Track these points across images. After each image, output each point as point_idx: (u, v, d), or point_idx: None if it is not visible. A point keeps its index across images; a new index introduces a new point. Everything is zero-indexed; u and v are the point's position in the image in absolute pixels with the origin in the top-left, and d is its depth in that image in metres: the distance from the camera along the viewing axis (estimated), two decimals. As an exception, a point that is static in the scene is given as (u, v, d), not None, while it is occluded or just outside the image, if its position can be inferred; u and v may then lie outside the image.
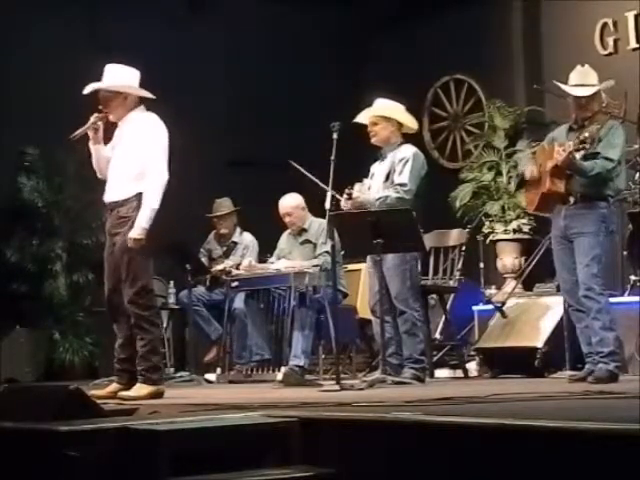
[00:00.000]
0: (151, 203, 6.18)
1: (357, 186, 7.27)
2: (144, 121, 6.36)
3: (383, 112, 7.39)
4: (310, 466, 3.84)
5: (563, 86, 6.79)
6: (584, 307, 6.61)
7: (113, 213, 6.31)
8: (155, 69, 9.65)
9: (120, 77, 6.37)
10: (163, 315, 10.00)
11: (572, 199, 6.63)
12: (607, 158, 6.52)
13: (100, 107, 6.36)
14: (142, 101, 6.43)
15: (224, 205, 9.59)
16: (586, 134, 6.41)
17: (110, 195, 6.36)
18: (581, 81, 6.74)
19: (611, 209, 6.69)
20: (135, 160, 6.27)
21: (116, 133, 6.47)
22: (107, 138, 6.52)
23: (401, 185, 7.17)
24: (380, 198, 7.19)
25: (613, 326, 6.57)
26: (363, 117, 7.44)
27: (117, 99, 6.34)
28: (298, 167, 7.73)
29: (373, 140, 7.41)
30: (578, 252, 6.62)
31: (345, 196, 7.19)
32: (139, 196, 6.23)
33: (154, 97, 6.41)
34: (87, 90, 6.36)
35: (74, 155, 8.52)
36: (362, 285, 9.01)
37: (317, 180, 7.36)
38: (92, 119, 6.36)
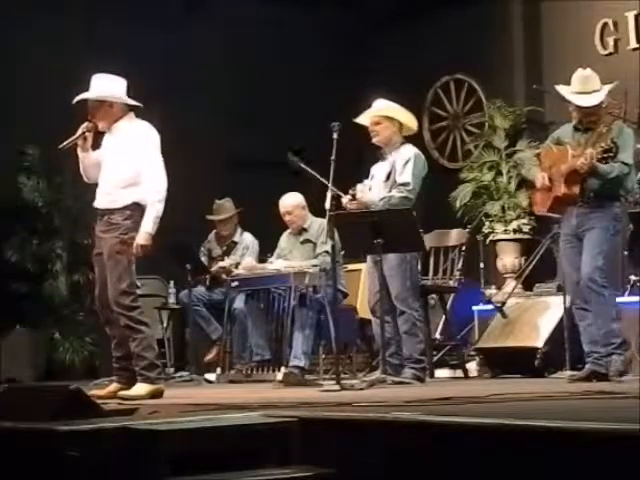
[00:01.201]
0: (156, 210, 6.25)
1: (359, 186, 7.27)
2: (135, 129, 6.40)
3: (385, 112, 7.38)
4: (310, 466, 3.84)
5: (567, 95, 6.75)
6: (588, 303, 6.62)
7: (104, 219, 6.38)
8: (154, 69, 9.70)
9: (105, 86, 6.41)
10: (163, 315, 10.01)
11: (585, 199, 6.63)
12: (624, 163, 6.55)
13: (89, 116, 6.41)
14: (131, 109, 6.46)
15: (225, 207, 9.57)
16: (610, 143, 6.41)
17: (102, 202, 6.42)
18: (584, 88, 6.69)
19: (623, 209, 6.72)
20: (127, 169, 6.32)
21: (104, 141, 6.50)
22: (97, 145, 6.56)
23: (404, 185, 7.18)
24: (384, 198, 7.19)
25: (618, 317, 6.58)
26: (364, 117, 7.44)
27: (103, 108, 6.39)
28: (297, 161, 7.69)
29: (374, 140, 7.40)
30: (586, 246, 6.63)
31: (349, 197, 7.19)
32: (133, 206, 6.27)
33: (140, 105, 6.44)
34: (75, 100, 6.41)
35: (74, 155, 8.51)
36: (362, 285, 9.00)
37: (315, 173, 7.32)
38: (80, 130, 6.43)
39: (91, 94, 6.41)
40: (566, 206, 6.77)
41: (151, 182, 6.28)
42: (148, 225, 6.23)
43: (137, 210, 6.30)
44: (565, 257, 6.86)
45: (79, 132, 6.42)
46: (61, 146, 6.44)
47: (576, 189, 6.63)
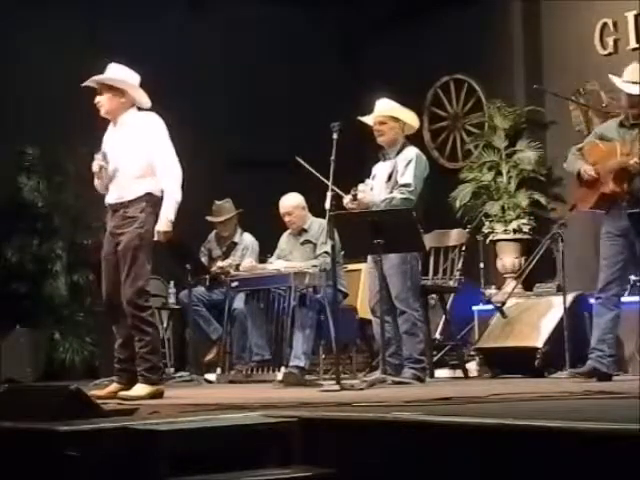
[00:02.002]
0: (175, 196, 6.25)
1: (361, 186, 7.26)
2: (143, 120, 6.37)
3: (392, 112, 7.38)
4: (310, 466, 3.84)
5: (618, 83, 6.72)
6: (614, 305, 6.68)
7: (118, 213, 6.31)
8: (155, 69, 9.66)
9: (122, 74, 6.39)
10: (163, 315, 10.01)
11: (636, 200, 6.59)
12: None
13: (96, 100, 6.37)
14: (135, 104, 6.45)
15: (225, 208, 9.56)
16: None
17: (115, 196, 6.35)
18: (636, 78, 6.66)
19: None
20: (140, 159, 6.29)
21: (110, 135, 6.47)
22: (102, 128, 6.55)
23: (405, 186, 7.18)
24: (385, 200, 7.18)
25: None
26: (369, 117, 7.42)
27: (113, 92, 6.35)
28: (304, 164, 7.67)
29: (380, 140, 7.38)
30: None
31: (350, 197, 7.18)
32: (147, 197, 6.25)
33: (149, 103, 6.43)
34: (87, 83, 6.39)
35: (74, 155, 8.52)
36: (362, 285, 9.00)
37: (322, 177, 7.28)
38: (99, 164, 6.35)
39: (107, 76, 6.38)
40: (610, 203, 6.71)
41: (167, 169, 6.25)
42: (169, 211, 6.22)
43: (150, 201, 6.26)
44: (605, 252, 6.76)
45: (100, 165, 6.34)
46: (101, 190, 6.42)
47: (624, 186, 6.58)
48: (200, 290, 9.37)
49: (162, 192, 6.33)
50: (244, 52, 10.97)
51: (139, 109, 6.46)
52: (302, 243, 8.51)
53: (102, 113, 6.41)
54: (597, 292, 6.81)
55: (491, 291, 9.35)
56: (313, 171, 7.45)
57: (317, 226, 8.31)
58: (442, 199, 10.07)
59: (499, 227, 10.17)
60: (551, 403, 4.75)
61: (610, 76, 6.85)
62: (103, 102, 6.37)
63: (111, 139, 6.44)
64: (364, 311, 8.26)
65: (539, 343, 7.82)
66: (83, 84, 6.38)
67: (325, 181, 7.04)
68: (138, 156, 6.29)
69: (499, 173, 10.31)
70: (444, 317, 8.70)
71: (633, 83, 6.65)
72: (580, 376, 6.54)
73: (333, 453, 3.86)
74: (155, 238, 6.26)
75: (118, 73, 6.40)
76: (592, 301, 7.14)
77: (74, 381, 8.37)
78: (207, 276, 9.39)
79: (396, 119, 7.36)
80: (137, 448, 3.81)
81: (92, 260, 9.39)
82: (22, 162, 10.15)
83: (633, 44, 9.71)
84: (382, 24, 11.48)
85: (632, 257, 6.68)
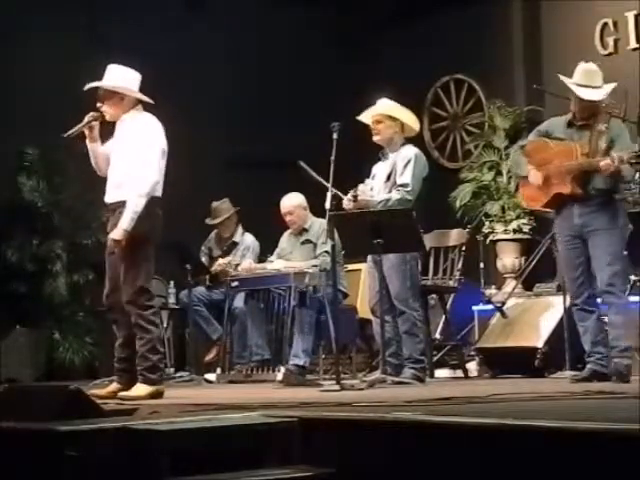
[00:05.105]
0: (134, 206, 6.15)
1: (360, 187, 7.26)
2: (139, 122, 6.38)
3: (388, 111, 7.37)
4: (310, 466, 3.84)
5: (571, 86, 6.65)
6: (592, 306, 6.59)
7: (116, 213, 6.30)
8: (154, 69, 9.67)
9: (120, 77, 6.40)
10: (163, 315, 10.01)
11: (587, 196, 6.52)
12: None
13: (98, 105, 6.39)
14: (140, 102, 6.44)
15: (222, 209, 9.54)
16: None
17: (112, 196, 6.36)
18: (589, 82, 6.57)
19: (621, 203, 6.65)
20: (133, 161, 6.29)
21: (115, 133, 6.49)
22: (107, 137, 6.54)
23: (403, 186, 7.17)
24: (382, 201, 7.18)
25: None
26: (366, 116, 7.42)
27: (113, 98, 6.36)
28: (307, 168, 7.66)
29: (375, 139, 7.38)
30: (596, 250, 6.51)
31: (350, 197, 7.18)
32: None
33: (152, 102, 6.43)
34: (87, 87, 6.40)
35: (74, 155, 8.51)
36: (362, 285, 9.01)
37: (324, 182, 7.26)
38: (86, 118, 6.39)
39: (105, 83, 6.39)
40: (566, 202, 6.63)
41: (138, 175, 6.20)
42: (124, 221, 6.14)
43: (147, 201, 6.25)
44: (564, 257, 6.76)
45: (85, 121, 6.37)
46: (67, 134, 6.37)
47: (582, 187, 6.51)
48: (200, 290, 9.37)
49: (159, 192, 6.32)
50: (244, 52, 10.97)
51: (145, 105, 6.46)
52: (302, 243, 8.51)
53: (107, 118, 6.41)
54: (571, 299, 6.75)
55: (491, 291, 9.35)
56: (316, 176, 7.43)
57: (318, 226, 8.31)
58: (442, 199, 10.08)
59: (499, 227, 10.18)
60: (551, 403, 4.75)
61: (560, 76, 6.77)
62: (106, 109, 6.38)
63: (115, 137, 6.46)
64: (364, 311, 8.25)
65: (539, 343, 7.83)
66: (85, 88, 6.38)
67: (327, 185, 7.02)
68: (130, 157, 6.30)
69: (499, 173, 10.32)
70: (444, 317, 8.70)
71: (584, 87, 6.57)
72: (581, 381, 6.50)
73: (333, 453, 3.86)
74: (108, 244, 6.26)
75: (117, 77, 6.40)
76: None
77: (74, 381, 8.37)
78: (207, 276, 9.40)
79: (393, 118, 7.35)
80: (137, 448, 3.81)
81: (92, 260, 9.41)
82: (22, 162, 10.15)
83: (633, 44, 9.73)
84: (382, 24, 11.48)
85: (588, 254, 6.58)
